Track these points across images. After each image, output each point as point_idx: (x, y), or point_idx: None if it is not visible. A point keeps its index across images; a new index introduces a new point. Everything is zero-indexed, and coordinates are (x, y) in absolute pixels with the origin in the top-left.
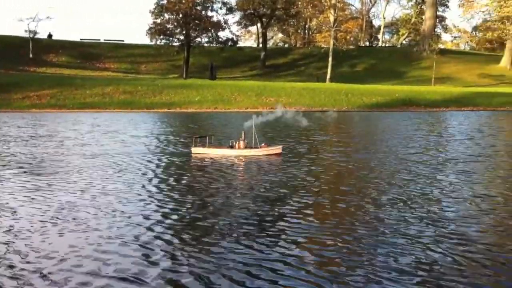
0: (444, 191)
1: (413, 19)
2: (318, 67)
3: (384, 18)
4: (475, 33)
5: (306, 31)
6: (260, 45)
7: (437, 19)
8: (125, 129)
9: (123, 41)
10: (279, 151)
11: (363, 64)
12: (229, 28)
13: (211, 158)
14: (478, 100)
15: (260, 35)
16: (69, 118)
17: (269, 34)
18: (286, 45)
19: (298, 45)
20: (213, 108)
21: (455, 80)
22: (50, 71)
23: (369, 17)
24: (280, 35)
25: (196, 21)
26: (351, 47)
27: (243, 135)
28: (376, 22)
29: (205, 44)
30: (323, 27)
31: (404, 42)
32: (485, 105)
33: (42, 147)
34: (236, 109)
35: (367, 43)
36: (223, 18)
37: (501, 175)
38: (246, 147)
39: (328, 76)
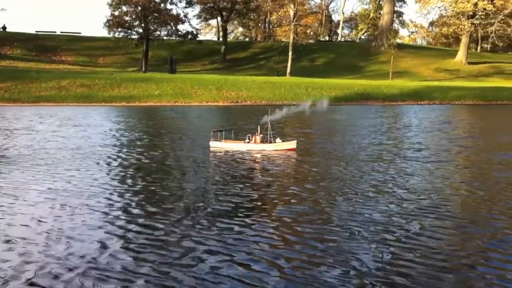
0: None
1: (371, 14)
2: (278, 61)
3: (343, 13)
4: (432, 29)
5: (266, 25)
6: (221, 39)
7: (395, 14)
8: (100, 122)
9: (80, 33)
10: (294, 146)
11: (322, 58)
12: (189, 22)
13: (227, 152)
14: (434, 94)
15: (220, 28)
16: (29, 111)
17: (230, 27)
18: (247, 39)
19: (258, 39)
20: (173, 102)
21: (412, 75)
22: (4, 64)
23: (328, 12)
24: (240, 29)
25: (155, 14)
26: (311, 41)
27: (259, 129)
28: (335, 17)
29: (165, 37)
30: (283, 22)
31: (362, 37)
32: (441, 99)
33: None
34: (196, 103)
35: (327, 38)
36: (183, 11)
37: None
38: (262, 142)
39: (288, 70)
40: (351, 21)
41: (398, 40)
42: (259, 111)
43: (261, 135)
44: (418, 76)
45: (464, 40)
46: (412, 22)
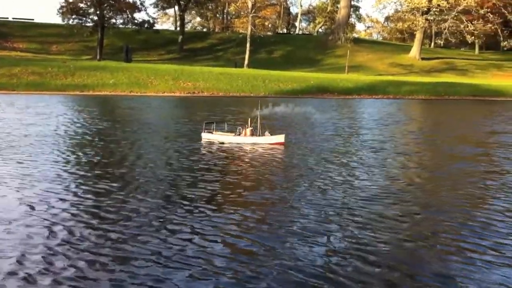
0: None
1: (329, 8)
2: (236, 53)
3: (301, 6)
4: (387, 24)
5: (224, 16)
6: (178, 29)
7: (352, 9)
8: (63, 111)
9: (33, 20)
10: (282, 140)
11: (280, 51)
12: (146, 10)
13: (216, 144)
14: (388, 89)
15: (177, 18)
16: None
17: (187, 17)
18: (205, 30)
19: (216, 30)
20: (128, 92)
21: (367, 69)
22: None
23: (286, 4)
24: (198, 19)
25: (111, 1)
26: (269, 33)
27: (249, 122)
28: (293, 10)
29: (120, 26)
30: (241, 13)
31: (320, 30)
32: (395, 93)
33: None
34: (152, 93)
35: (285, 30)
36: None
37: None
38: (252, 135)
39: (246, 61)
40: (309, 14)
41: (354, 35)
42: (221, 103)
43: (251, 128)
44: (373, 71)
45: (418, 35)
46: (369, 16)
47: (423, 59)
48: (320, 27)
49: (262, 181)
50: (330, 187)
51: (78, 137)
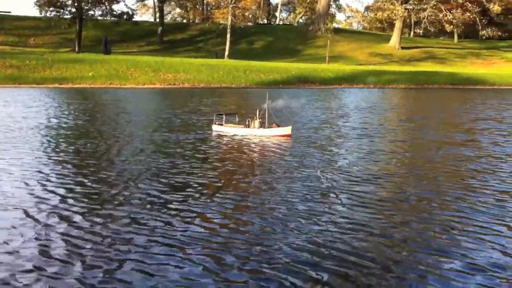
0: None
1: None
2: (216, 44)
3: None
4: (367, 13)
5: (204, 6)
6: (157, 20)
7: None
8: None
9: (10, 12)
10: (289, 132)
11: (261, 41)
12: (124, 1)
13: (227, 136)
14: (368, 78)
15: (157, 9)
16: None
17: (167, 8)
18: (184, 21)
19: (196, 21)
20: (108, 84)
21: (347, 59)
22: None
23: None
24: (178, 10)
25: None
26: (249, 24)
27: (258, 113)
28: (273, 0)
29: (99, 17)
30: (221, 3)
31: (300, 20)
32: (375, 82)
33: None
34: (132, 85)
35: (265, 21)
36: None
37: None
38: (261, 127)
39: (227, 52)
40: (289, 5)
41: (334, 25)
42: (204, 94)
43: (260, 120)
44: (353, 60)
45: (398, 25)
46: (349, 6)
47: (402, 48)
48: (301, 18)
49: (255, 169)
50: (331, 174)
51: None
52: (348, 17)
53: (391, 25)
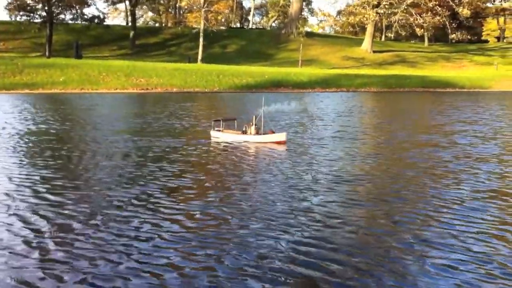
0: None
1: (281, 2)
2: (189, 48)
3: (254, 0)
4: (339, 17)
5: (176, 10)
6: (129, 24)
7: (304, 3)
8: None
9: None
10: (283, 138)
11: (233, 45)
12: (95, 5)
13: (222, 142)
14: (341, 82)
15: (128, 13)
16: None
17: (139, 12)
18: (157, 25)
19: (169, 24)
20: (80, 89)
21: (320, 62)
22: None
23: None
24: (150, 13)
25: None
26: (222, 28)
27: (254, 120)
28: (246, 4)
29: (70, 21)
30: (194, 7)
31: (273, 24)
32: (348, 86)
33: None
34: (104, 90)
35: (238, 25)
36: None
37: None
38: (257, 133)
39: (200, 57)
40: (262, 8)
41: (307, 28)
42: (181, 98)
43: (256, 126)
44: (326, 64)
45: (369, 29)
46: (321, 10)
47: (374, 52)
48: (273, 21)
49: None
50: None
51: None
52: (321, 21)
53: (363, 29)
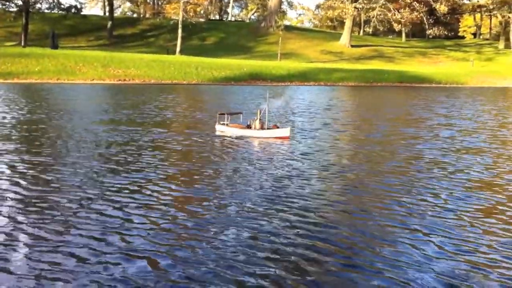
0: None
1: None
2: (168, 39)
3: None
4: (318, 11)
5: (155, 1)
6: (107, 14)
7: None
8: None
9: None
10: (287, 134)
11: (212, 37)
12: None
13: (227, 137)
14: (319, 76)
15: (106, 3)
16: None
17: (116, 2)
18: (135, 15)
19: (147, 15)
20: (56, 79)
21: (299, 56)
22: None
23: None
24: (128, 4)
25: None
26: (201, 20)
27: (258, 114)
28: None
29: (46, 10)
30: None
31: (252, 17)
32: (326, 80)
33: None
34: (81, 80)
35: (217, 17)
36: None
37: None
38: (262, 127)
39: (178, 48)
40: (241, 1)
41: (286, 22)
42: (164, 90)
43: (261, 120)
44: (305, 58)
45: (348, 23)
46: (300, 4)
47: (352, 46)
48: (253, 14)
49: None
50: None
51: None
52: (300, 14)
53: (342, 24)
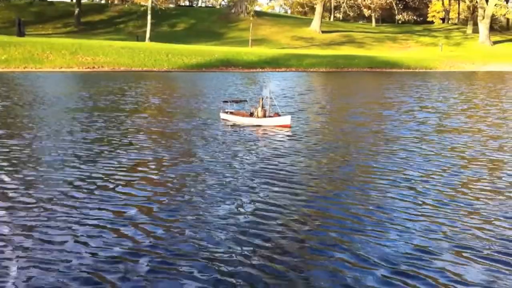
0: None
1: None
2: (137, 26)
3: None
4: None
5: None
6: (74, 0)
7: None
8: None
9: None
10: (288, 122)
11: (183, 24)
12: None
13: (231, 125)
14: (290, 62)
15: None
16: None
17: None
18: (103, 1)
19: (115, 2)
20: (23, 68)
21: (270, 42)
22: None
23: None
24: None
25: None
26: (171, 6)
27: (261, 101)
28: None
29: None
30: None
31: (223, 3)
32: (297, 66)
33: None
34: (49, 68)
35: (187, 3)
36: None
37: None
38: (264, 115)
39: (148, 35)
40: None
41: (256, 8)
42: (138, 77)
43: (264, 108)
44: (276, 44)
45: (318, 9)
46: None
47: (323, 32)
48: (223, 0)
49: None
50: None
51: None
52: (270, 0)
53: (312, 9)
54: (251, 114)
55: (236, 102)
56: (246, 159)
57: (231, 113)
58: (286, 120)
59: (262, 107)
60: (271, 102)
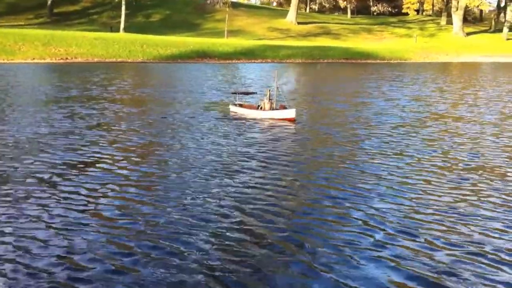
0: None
1: None
2: (111, 17)
3: None
4: None
5: None
6: None
7: None
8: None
9: None
10: (292, 115)
11: (158, 14)
12: None
13: (238, 118)
14: (266, 53)
15: None
16: None
17: None
18: None
19: None
20: None
21: (246, 33)
22: None
23: None
24: None
25: None
26: None
27: (268, 93)
28: None
29: None
30: None
31: None
32: (273, 57)
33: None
34: (21, 60)
35: None
36: None
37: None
38: (271, 108)
39: (122, 26)
40: None
41: None
42: (116, 68)
43: (271, 100)
44: (252, 35)
45: (294, 0)
46: None
47: (299, 23)
48: None
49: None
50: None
51: None
52: None
53: (288, 1)
54: (259, 107)
55: (246, 94)
56: (222, 144)
57: (240, 105)
58: (291, 113)
59: (269, 99)
60: (277, 93)
